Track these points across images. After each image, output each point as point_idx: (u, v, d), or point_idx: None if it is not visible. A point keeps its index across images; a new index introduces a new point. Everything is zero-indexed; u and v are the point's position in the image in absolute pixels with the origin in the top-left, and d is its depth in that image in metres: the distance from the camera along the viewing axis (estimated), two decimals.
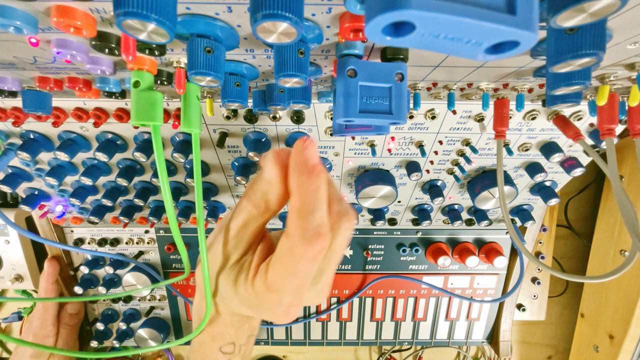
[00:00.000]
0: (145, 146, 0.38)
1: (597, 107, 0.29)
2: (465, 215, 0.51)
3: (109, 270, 0.55)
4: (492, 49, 0.13)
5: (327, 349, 0.71)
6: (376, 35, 0.12)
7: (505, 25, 0.11)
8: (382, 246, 0.57)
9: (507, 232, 0.56)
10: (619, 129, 0.33)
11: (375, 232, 0.56)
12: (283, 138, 0.39)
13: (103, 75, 0.26)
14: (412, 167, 0.41)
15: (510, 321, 0.62)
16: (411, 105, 0.31)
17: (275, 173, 0.22)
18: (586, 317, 0.62)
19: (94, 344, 0.59)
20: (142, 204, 0.44)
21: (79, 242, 0.54)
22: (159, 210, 0.47)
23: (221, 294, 0.26)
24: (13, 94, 0.29)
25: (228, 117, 0.36)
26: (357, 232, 0.56)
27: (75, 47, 0.20)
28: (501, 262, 0.54)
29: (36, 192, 0.45)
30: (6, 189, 0.41)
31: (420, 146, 0.39)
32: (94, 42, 0.20)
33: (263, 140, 0.38)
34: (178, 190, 0.45)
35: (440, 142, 0.39)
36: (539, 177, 0.41)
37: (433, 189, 0.45)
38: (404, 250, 0.56)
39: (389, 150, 0.40)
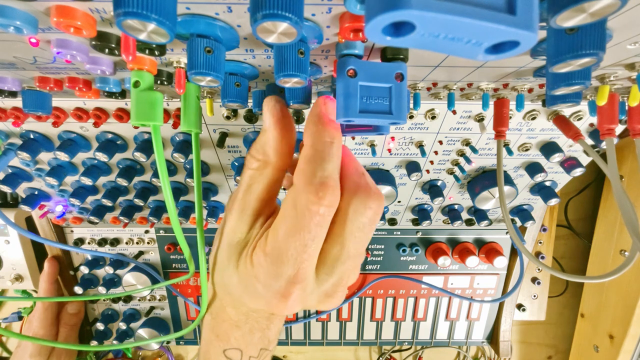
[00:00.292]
0: (145, 146, 0.38)
1: (597, 107, 0.29)
2: (465, 215, 0.51)
3: (109, 270, 0.55)
4: (492, 49, 0.13)
5: (327, 349, 0.71)
6: (376, 35, 0.12)
7: (505, 25, 0.11)
8: (382, 246, 0.57)
9: (507, 232, 0.56)
10: (619, 129, 0.33)
11: (375, 232, 0.56)
12: None
13: (103, 75, 0.26)
14: (412, 167, 0.41)
15: (510, 321, 0.62)
16: (411, 105, 0.31)
17: (269, 120, 0.22)
18: (586, 317, 0.62)
19: (94, 343, 0.59)
20: (142, 204, 0.44)
21: (79, 242, 0.54)
22: (159, 210, 0.47)
23: (223, 278, 0.24)
24: (13, 94, 0.29)
25: (228, 117, 0.36)
26: None
27: (75, 47, 0.20)
28: (501, 262, 0.54)
29: (36, 192, 0.45)
30: (6, 189, 0.41)
31: (420, 146, 0.39)
32: (94, 42, 0.20)
33: None
34: (178, 190, 0.45)
35: (440, 142, 0.39)
36: (539, 177, 0.41)
37: (433, 189, 0.45)
38: (404, 250, 0.56)
39: (389, 150, 0.40)
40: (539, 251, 0.60)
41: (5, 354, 0.69)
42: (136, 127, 0.38)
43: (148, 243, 0.55)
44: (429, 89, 0.31)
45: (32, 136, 0.38)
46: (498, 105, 0.32)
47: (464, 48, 0.12)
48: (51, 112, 0.31)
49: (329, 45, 0.21)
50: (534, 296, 0.63)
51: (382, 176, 0.42)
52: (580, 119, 0.36)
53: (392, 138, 0.39)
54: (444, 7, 0.11)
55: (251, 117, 0.36)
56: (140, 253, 0.56)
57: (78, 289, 0.55)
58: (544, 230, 0.59)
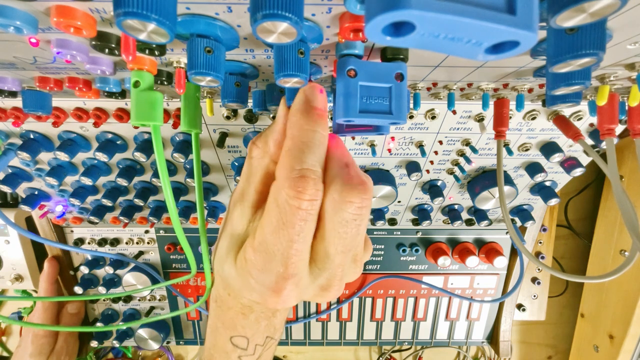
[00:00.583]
0: (145, 146, 0.38)
1: (597, 107, 0.29)
2: (465, 215, 0.51)
3: (109, 270, 0.55)
4: (492, 49, 0.13)
5: (327, 349, 0.71)
6: (376, 35, 0.12)
7: (505, 25, 0.11)
8: (382, 246, 0.57)
9: (507, 232, 0.56)
10: (619, 129, 0.33)
11: (375, 232, 0.56)
12: None
13: (103, 75, 0.26)
14: (412, 167, 0.41)
15: (510, 321, 0.62)
16: (411, 105, 0.31)
17: (280, 111, 0.21)
18: (586, 317, 0.62)
19: (94, 344, 0.59)
20: (142, 204, 0.44)
21: (79, 242, 0.54)
22: (159, 210, 0.47)
23: (224, 270, 0.24)
24: (13, 94, 0.29)
25: (228, 117, 0.36)
26: None
27: (75, 47, 0.20)
28: (501, 262, 0.54)
29: (36, 192, 0.45)
30: (6, 189, 0.41)
31: (420, 146, 0.39)
32: (94, 42, 0.20)
33: None
34: (178, 190, 0.45)
35: (440, 142, 0.39)
36: (539, 177, 0.41)
37: (433, 189, 0.45)
38: (404, 250, 0.56)
39: (389, 150, 0.40)
40: (539, 251, 0.60)
41: (5, 354, 0.69)
42: (136, 127, 0.38)
43: (148, 243, 0.55)
44: (429, 89, 0.31)
45: (32, 136, 0.38)
46: (498, 105, 0.32)
47: (464, 48, 0.12)
48: (51, 112, 0.31)
49: (329, 45, 0.21)
50: (534, 296, 0.63)
51: (382, 176, 0.42)
52: (580, 119, 0.36)
53: (392, 138, 0.39)
54: (444, 7, 0.11)
55: (251, 117, 0.36)
56: (140, 253, 0.56)
57: (78, 289, 0.55)
58: (544, 230, 0.59)
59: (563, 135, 0.36)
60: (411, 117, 0.36)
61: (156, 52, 0.20)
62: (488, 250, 0.56)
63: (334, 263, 0.21)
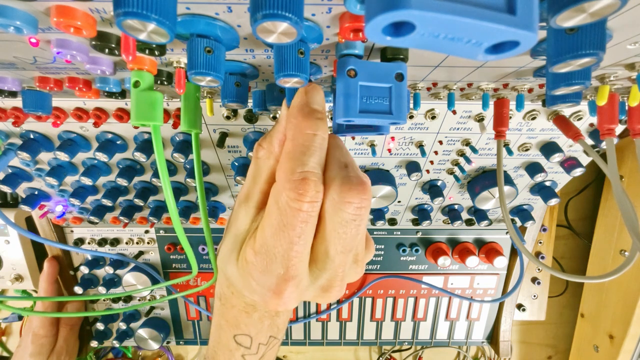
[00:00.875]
0: (145, 146, 0.38)
1: (597, 107, 0.29)
2: (465, 215, 0.51)
3: (109, 270, 0.55)
4: (492, 49, 0.13)
5: (327, 349, 0.71)
6: (376, 35, 0.12)
7: (505, 25, 0.11)
8: (382, 246, 0.57)
9: (507, 232, 0.56)
10: (619, 129, 0.33)
11: (375, 232, 0.56)
12: None
13: (103, 75, 0.26)
14: (412, 167, 0.41)
15: (510, 321, 0.62)
16: (411, 105, 0.31)
17: (282, 111, 0.21)
18: (586, 317, 0.62)
19: (94, 343, 0.59)
20: (142, 204, 0.44)
21: (79, 242, 0.54)
22: (159, 210, 0.47)
23: (227, 270, 0.24)
24: (13, 94, 0.29)
25: (228, 117, 0.36)
26: None
27: (75, 47, 0.20)
28: (501, 262, 0.54)
29: (36, 192, 0.45)
30: (6, 189, 0.41)
31: (420, 146, 0.39)
32: (94, 42, 0.20)
33: None
34: (178, 190, 0.45)
35: (440, 142, 0.39)
36: (539, 177, 0.41)
37: (433, 189, 0.45)
38: (404, 250, 0.56)
39: (389, 150, 0.40)
40: (539, 251, 0.60)
41: (5, 354, 0.69)
42: (136, 127, 0.38)
43: (148, 243, 0.55)
44: (429, 89, 0.31)
45: (32, 136, 0.38)
46: (498, 105, 0.32)
47: (464, 48, 0.12)
48: (51, 112, 0.31)
49: (329, 45, 0.21)
50: (534, 296, 0.63)
51: (382, 176, 0.42)
52: (580, 119, 0.36)
53: (392, 138, 0.39)
54: (444, 7, 0.11)
55: (251, 117, 0.36)
56: (140, 253, 0.56)
57: (78, 289, 0.55)
58: (544, 230, 0.59)
59: (563, 135, 0.36)
60: (411, 117, 0.36)
61: (156, 52, 0.20)
62: (488, 250, 0.56)
63: (335, 263, 0.21)
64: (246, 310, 0.24)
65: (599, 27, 0.16)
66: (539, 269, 0.62)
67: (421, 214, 0.49)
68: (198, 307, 0.59)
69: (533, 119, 0.36)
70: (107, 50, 0.20)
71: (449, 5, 0.11)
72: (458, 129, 0.38)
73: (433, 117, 0.36)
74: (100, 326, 0.59)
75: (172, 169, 0.42)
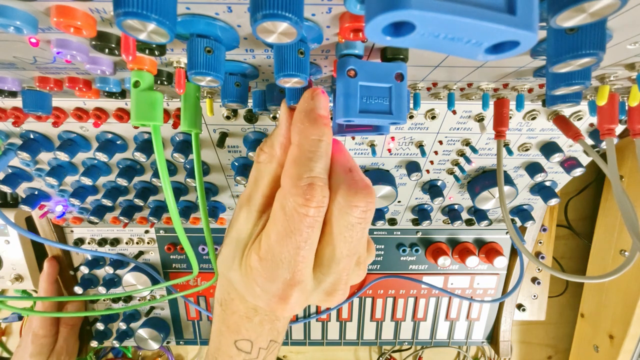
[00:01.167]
0: (145, 146, 0.38)
1: (597, 107, 0.29)
2: (465, 215, 0.51)
3: (109, 270, 0.55)
4: (492, 49, 0.13)
5: (327, 349, 0.71)
6: (376, 35, 0.12)
7: (505, 25, 0.11)
8: (382, 246, 0.57)
9: (507, 232, 0.56)
10: (619, 129, 0.33)
11: (375, 232, 0.56)
12: None
13: (103, 75, 0.26)
14: (412, 167, 0.41)
15: (510, 321, 0.62)
16: (411, 105, 0.31)
17: (282, 115, 0.21)
18: (586, 317, 0.62)
19: (94, 343, 0.59)
20: (142, 204, 0.44)
21: (79, 242, 0.54)
22: (159, 210, 0.47)
23: (229, 274, 0.24)
24: (13, 94, 0.29)
25: (228, 117, 0.36)
26: None
27: (75, 47, 0.20)
28: (501, 262, 0.54)
29: (36, 192, 0.45)
30: (6, 189, 0.41)
31: (420, 146, 0.39)
32: (94, 42, 0.20)
33: (263, 140, 0.38)
34: (178, 190, 0.45)
35: (440, 142, 0.39)
36: (539, 177, 0.41)
37: (433, 189, 0.45)
38: (404, 250, 0.56)
39: (389, 150, 0.40)
40: (539, 251, 0.60)
41: (5, 354, 0.69)
42: (136, 127, 0.38)
43: (148, 243, 0.55)
44: (429, 89, 0.31)
45: (32, 136, 0.38)
46: (498, 105, 0.32)
47: (464, 48, 0.12)
48: (51, 112, 0.31)
49: (329, 45, 0.21)
50: (534, 296, 0.63)
51: (382, 176, 0.42)
52: (580, 119, 0.36)
53: (392, 138, 0.39)
54: (444, 7, 0.11)
55: (251, 117, 0.36)
56: (140, 253, 0.56)
57: (78, 289, 0.55)
58: (544, 230, 0.59)
59: (563, 135, 0.36)
60: (411, 117, 0.36)
61: (156, 52, 0.20)
62: (488, 250, 0.56)
63: (339, 267, 0.21)
64: (247, 315, 0.24)
65: (599, 27, 0.16)
66: (539, 269, 0.62)
67: (421, 214, 0.49)
68: (198, 307, 0.59)
69: (533, 119, 0.36)
70: (107, 50, 0.20)
71: (449, 5, 0.11)
72: (458, 129, 0.38)
73: (433, 117, 0.36)
74: (100, 326, 0.59)
75: (172, 169, 0.42)
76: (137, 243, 0.55)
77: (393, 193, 0.42)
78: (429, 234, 0.56)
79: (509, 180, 0.43)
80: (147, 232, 0.55)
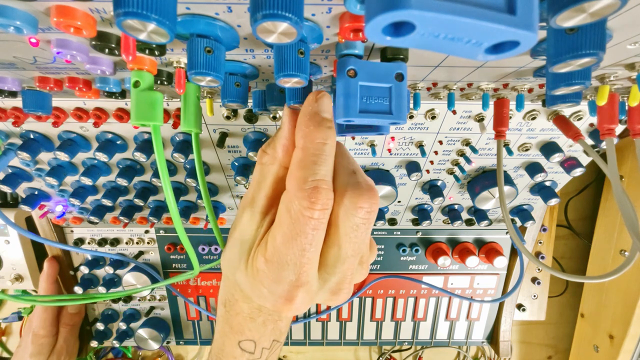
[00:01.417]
0: (145, 146, 0.38)
1: (597, 107, 0.29)
2: (465, 215, 0.51)
3: (109, 270, 0.55)
4: (492, 49, 0.13)
5: (327, 349, 0.71)
6: (376, 35, 0.12)
7: (505, 25, 0.11)
8: (382, 246, 0.57)
9: (507, 232, 0.56)
10: (619, 129, 0.33)
11: (375, 232, 0.56)
12: None
13: (103, 75, 0.26)
14: (412, 167, 0.41)
15: (510, 321, 0.62)
16: (411, 105, 0.31)
17: (285, 117, 0.21)
18: (586, 317, 0.62)
19: (94, 343, 0.59)
20: (142, 204, 0.44)
21: (79, 242, 0.54)
22: (159, 210, 0.47)
23: (235, 276, 0.24)
24: (13, 94, 0.29)
25: (228, 117, 0.36)
26: None
27: (75, 47, 0.20)
28: (501, 262, 0.54)
29: (36, 192, 0.45)
30: (6, 189, 0.41)
31: (420, 146, 0.39)
32: (94, 42, 0.20)
33: (263, 140, 0.38)
34: (178, 190, 0.45)
35: (440, 142, 0.39)
36: (539, 177, 0.41)
37: (433, 189, 0.45)
38: (404, 250, 0.56)
39: (389, 150, 0.40)
40: (539, 251, 0.60)
41: (5, 354, 0.69)
42: (136, 127, 0.38)
43: (148, 243, 0.55)
44: (429, 89, 0.31)
45: (32, 136, 0.38)
46: (498, 105, 0.32)
47: (464, 48, 0.12)
48: (51, 112, 0.31)
49: (329, 45, 0.21)
50: (534, 296, 0.63)
51: (382, 176, 0.42)
52: (580, 119, 0.36)
53: (392, 138, 0.39)
54: (444, 7, 0.11)
55: (251, 117, 0.36)
56: (140, 253, 0.56)
57: (78, 289, 0.55)
58: (544, 230, 0.59)
59: (563, 135, 0.36)
60: (411, 117, 0.36)
61: (156, 52, 0.20)
62: (488, 250, 0.56)
63: (344, 266, 0.22)
64: (251, 315, 0.25)
65: (599, 27, 0.16)
66: (539, 269, 0.62)
67: (421, 214, 0.49)
68: (198, 307, 0.59)
69: (533, 119, 0.36)
70: (107, 50, 0.20)
71: (449, 5, 0.11)
72: (458, 129, 0.38)
73: (433, 117, 0.36)
74: (100, 326, 0.59)
75: (172, 169, 0.42)
76: (137, 243, 0.55)
77: (393, 193, 0.42)
78: (429, 234, 0.56)
79: (509, 180, 0.43)
80: (147, 232, 0.55)
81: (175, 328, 0.62)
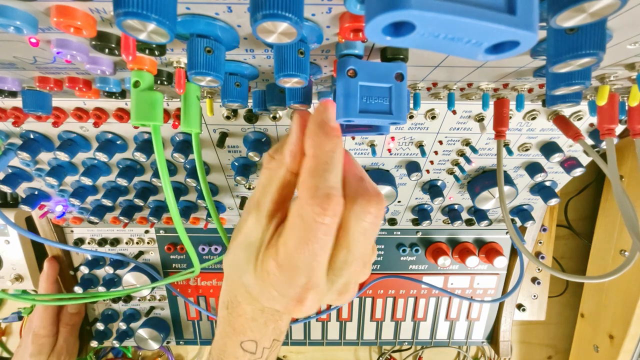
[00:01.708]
0: (145, 146, 0.38)
1: (597, 107, 0.29)
2: (465, 215, 0.51)
3: (109, 270, 0.55)
4: (492, 49, 0.13)
5: (327, 349, 0.71)
6: (376, 35, 0.12)
7: (505, 25, 0.11)
8: (382, 246, 0.57)
9: (507, 232, 0.56)
10: (619, 129, 0.33)
11: None
12: None
13: (103, 75, 0.26)
14: (412, 167, 0.41)
15: (510, 321, 0.62)
16: (411, 105, 0.31)
17: (294, 123, 0.22)
18: (586, 317, 0.62)
19: (94, 343, 0.59)
20: (142, 204, 0.44)
21: (79, 242, 0.54)
22: (159, 210, 0.47)
23: (242, 279, 0.24)
24: (13, 94, 0.29)
25: (228, 117, 0.36)
26: None
27: (75, 47, 0.20)
28: (501, 262, 0.54)
29: (36, 192, 0.45)
30: (6, 189, 0.41)
31: (420, 146, 0.39)
32: (94, 42, 0.20)
33: (263, 140, 0.38)
34: (178, 190, 0.45)
35: (440, 142, 0.39)
36: (539, 177, 0.41)
37: (433, 189, 0.45)
38: (404, 250, 0.56)
39: (389, 150, 0.40)
40: (539, 251, 0.60)
41: (5, 354, 0.69)
42: (136, 127, 0.38)
43: (148, 243, 0.55)
44: (429, 89, 0.31)
45: (32, 136, 0.38)
46: (498, 105, 0.32)
47: (464, 48, 0.12)
48: (51, 112, 0.31)
49: (329, 45, 0.21)
50: (534, 296, 0.63)
51: (382, 176, 0.42)
52: (580, 119, 0.36)
53: (392, 138, 0.39)
54: (444, 7, 0.11)
55: (251, 117, 0.36)
56: (140, 253, 0.56)
57: (78, 289, 0.55)
58: (544, 230, 0.59)
59: (563, 135, 0.36)
60: (411, 117, 0.36)
61: (156, 52, 0.20)
62: (488, 250, 0.56)
63: (351, 269, 0.22)
64: (253, 316, 0.26)
65: (599, 27, 0.16)
66: (539, 269, 0.62)
67: (421, 214, 0.49)
68: (198, 307, 0.59)
69: (533, 119, 0.36)
70: (107, 50, 0.20)
71: (449, 5, 0.11)
72: (458, 129, 0.38)
73: (433, 117, 0.36)
74: (100, 326, 0.59)
75: (172, 169, 0.42)
76: (137, 243, 0.55)
77: (393, 193, 0.42)
78: (429, 234, 0.56)
79: (509, 180, 0.43)
80: (147, 232, 0.55)
81: (175, 328, 0.62)
